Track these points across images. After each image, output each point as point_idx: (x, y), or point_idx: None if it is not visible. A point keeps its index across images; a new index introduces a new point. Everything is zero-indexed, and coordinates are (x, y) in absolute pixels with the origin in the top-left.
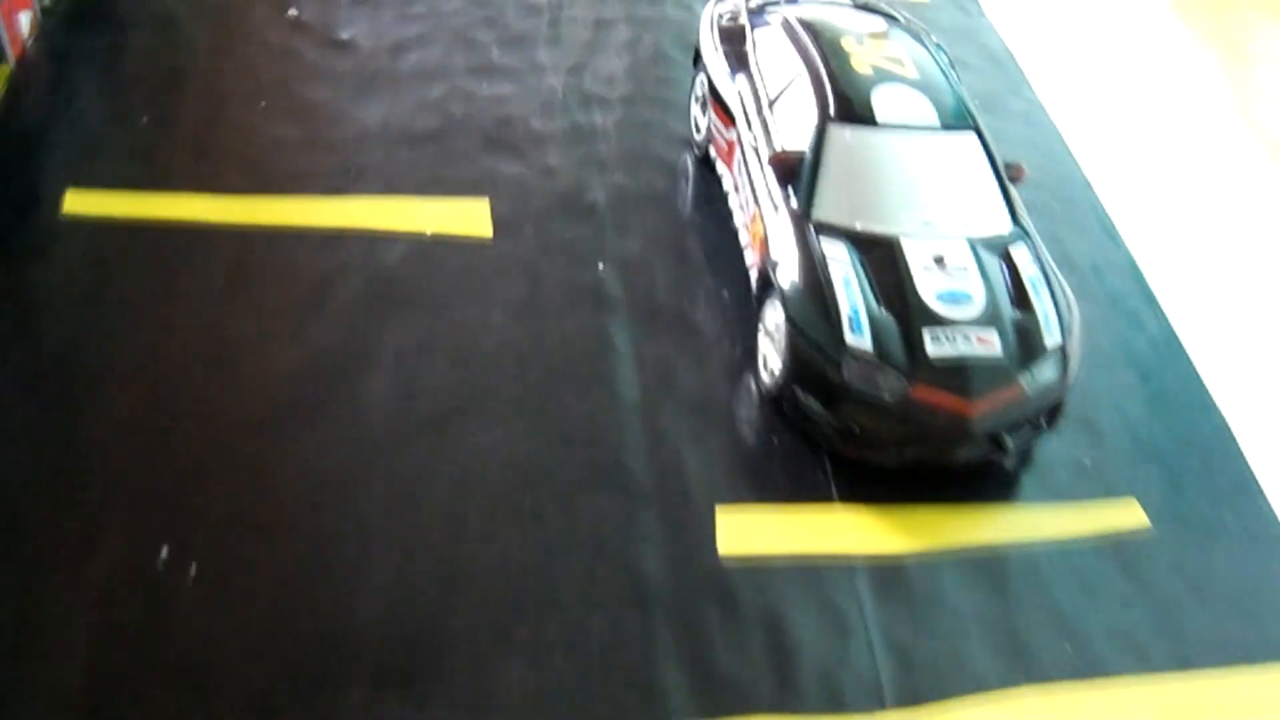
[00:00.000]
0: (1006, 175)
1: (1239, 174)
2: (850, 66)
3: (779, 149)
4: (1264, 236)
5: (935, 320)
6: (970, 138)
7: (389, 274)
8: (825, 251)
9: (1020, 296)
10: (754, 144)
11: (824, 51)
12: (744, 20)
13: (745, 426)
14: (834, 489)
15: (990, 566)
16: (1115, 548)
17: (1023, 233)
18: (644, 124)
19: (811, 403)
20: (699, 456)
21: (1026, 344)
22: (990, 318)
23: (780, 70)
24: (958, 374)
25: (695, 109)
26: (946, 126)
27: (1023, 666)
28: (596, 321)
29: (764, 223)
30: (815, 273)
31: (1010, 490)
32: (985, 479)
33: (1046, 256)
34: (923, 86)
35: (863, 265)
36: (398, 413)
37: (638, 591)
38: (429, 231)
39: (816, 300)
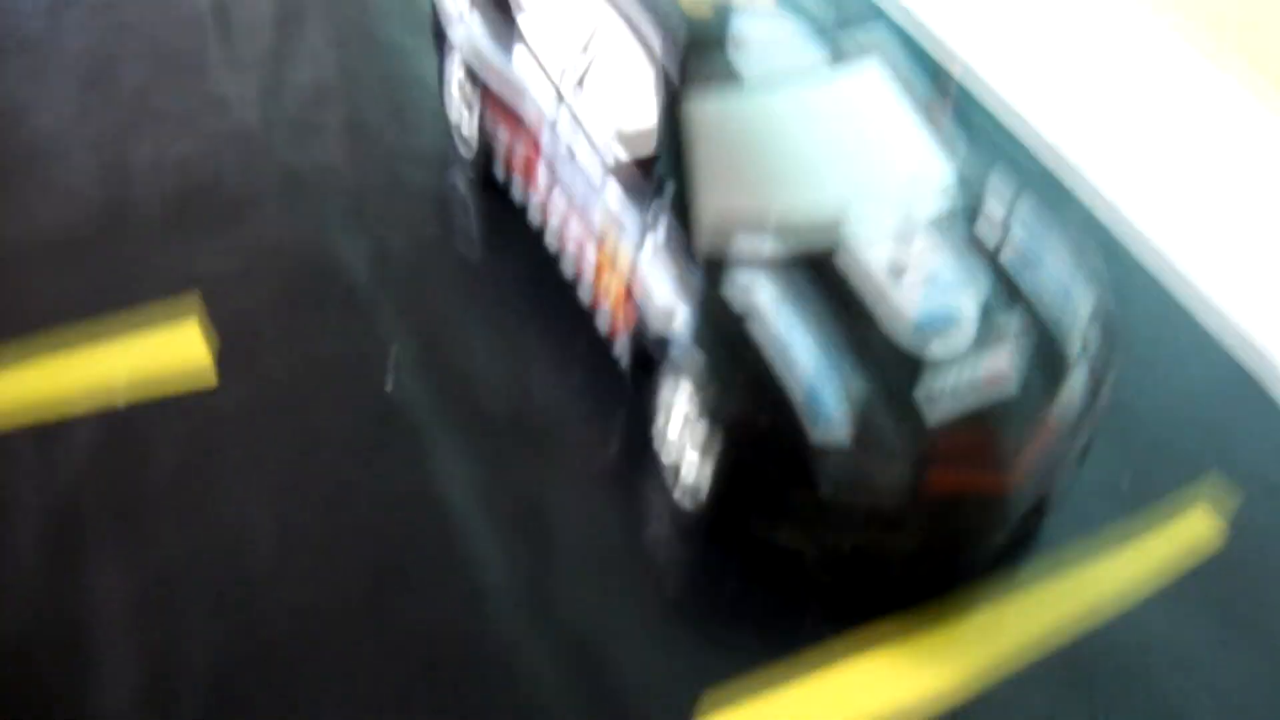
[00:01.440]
0: (932, 110)
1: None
2: (687, 9)
3: (610, 152)
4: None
5: (925, 370)
6: (871, 69)
7: (74, 490)
8: (741, 300)
9: (1012, 288)
10: (568, 149)
11: None
12: None
13: (677, 578)
14: (829, 626)
15: (1069, 669)
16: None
17: (979, 191)
18: (384, 149)
19: (781, 533)
20: (631, 647)
21: (1045, 355)
22: (990, 334)
23: (574, 26)
24: (976, 437)
25: (455, 112)
26: (839, 58)
27: None
28: (411, 475)
29: (619, 271)
30: (735, 340)
31: (1049, 554)
32: (1014, 550)
33: (1023, 215)
34: (793, 8)
35: (799, 306)
36: None
37: None
38: (121, 401)
39: (750, 382)
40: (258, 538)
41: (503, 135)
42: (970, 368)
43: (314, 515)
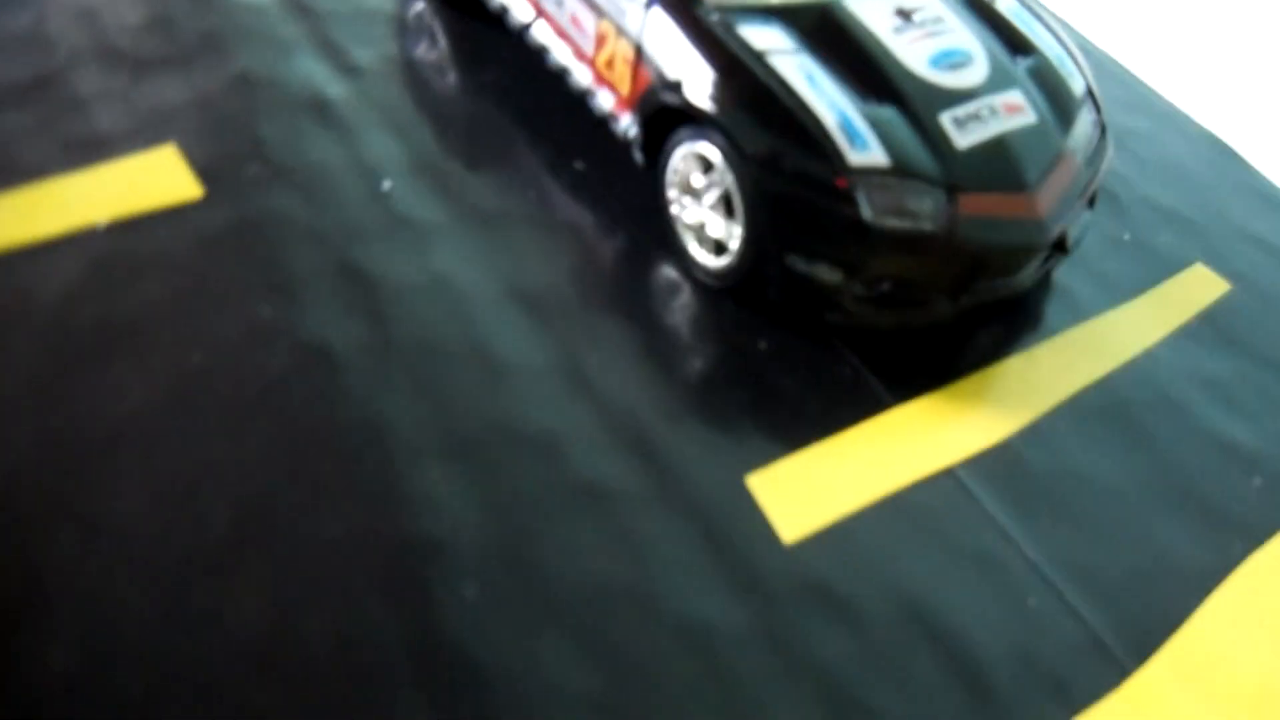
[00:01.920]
0: None
1: None
2: None
3: None
4: None
5: (946, 98)
6: None
7: (60, 312)
8: (756, 44)
9: (1010, 35)
10: None
11: None
12: None
13: (711, 347)
14: (876, 385)
15: (1107, 410)
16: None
17: None
18: None
19: (818, 270)
20: (673, 420)
21: (1055, 97)
22: (1002, 74)
23: None
24: (1003, 162)
25: None
26: None
27: (1228, 528)
28: (416, 264)
29: (625, 37)
30: (759, 80)
31: (1069, 302)
32: (1038, 304)
33: None
34: None
35: (812, 49)
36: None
37: (706, 647)
38: (101, 221)
39: (779, 119)
40: (273, 331)
41: None
42: (989, 101)
43: (324, 315)
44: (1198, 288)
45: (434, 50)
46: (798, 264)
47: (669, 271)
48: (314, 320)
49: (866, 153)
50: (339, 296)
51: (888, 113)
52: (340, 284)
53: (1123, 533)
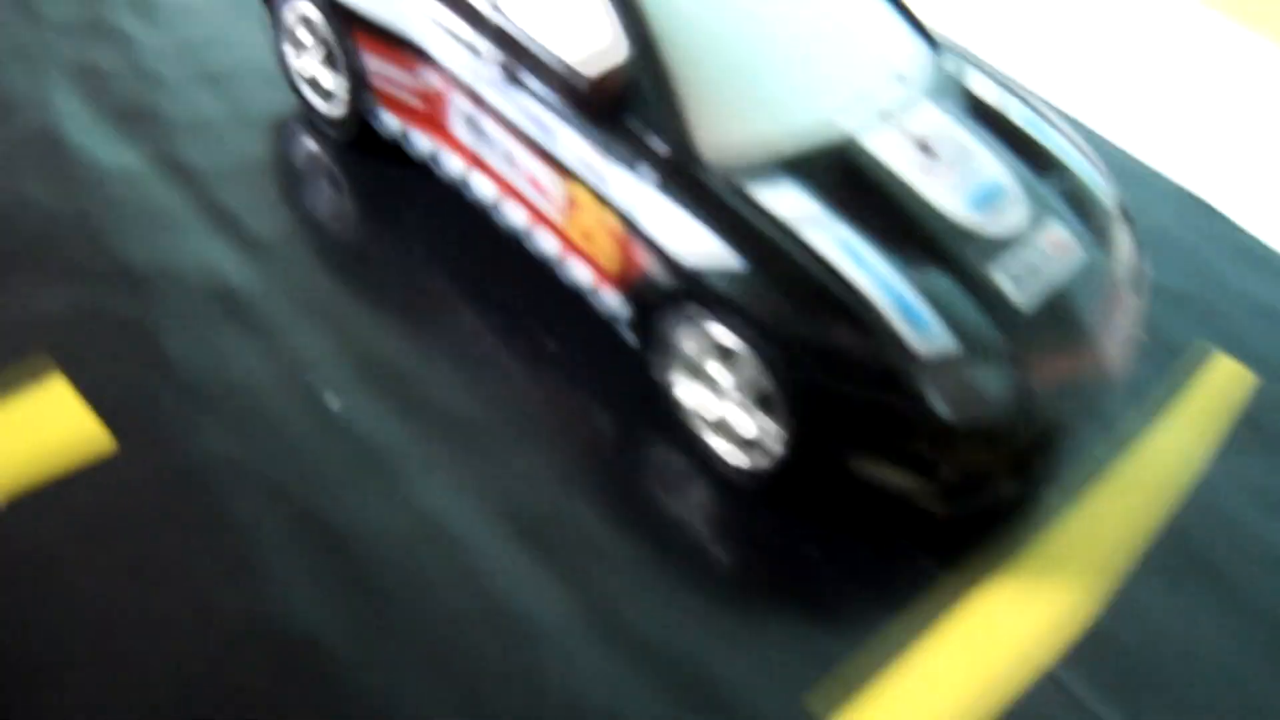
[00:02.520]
0: None
1: None
2: None
3: (571, 68)
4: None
5: (995, 248)
6: None
7: None
8: (780, 213)
9: (1030, 149)
10: (504, 78)
11: None
12: None
13: (750, 558)
14: (940, 573)
15: (1185, 561)
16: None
17: (955, 55)
18: (220, 127)
19: (887, 475)
20: (728, 649)
21: (1093, 221)
22: (1041, 205)
23: None
24: (1066, 316)
25: (302, 64)
26: None
27: None
28: (394, 507)
29: (607, 206)
30: (794, 261)
31: (1107, 427)
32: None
33: (1005, 76)
34: None
35: (839, 208)
36: None
37: None
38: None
39: (824, 304)
40: (240, 641)
41: (393, 74)
42: (1034, 240)
43: (299, 593)
44: (1225, 386)
45: (342, 204)
46: (861, 470)
47: (681, 467)
48: (287, 603)
49: (930, 337)
50: (310, 564)
51: (941, 281)
52: (308, 547)
53: (1242, 706)
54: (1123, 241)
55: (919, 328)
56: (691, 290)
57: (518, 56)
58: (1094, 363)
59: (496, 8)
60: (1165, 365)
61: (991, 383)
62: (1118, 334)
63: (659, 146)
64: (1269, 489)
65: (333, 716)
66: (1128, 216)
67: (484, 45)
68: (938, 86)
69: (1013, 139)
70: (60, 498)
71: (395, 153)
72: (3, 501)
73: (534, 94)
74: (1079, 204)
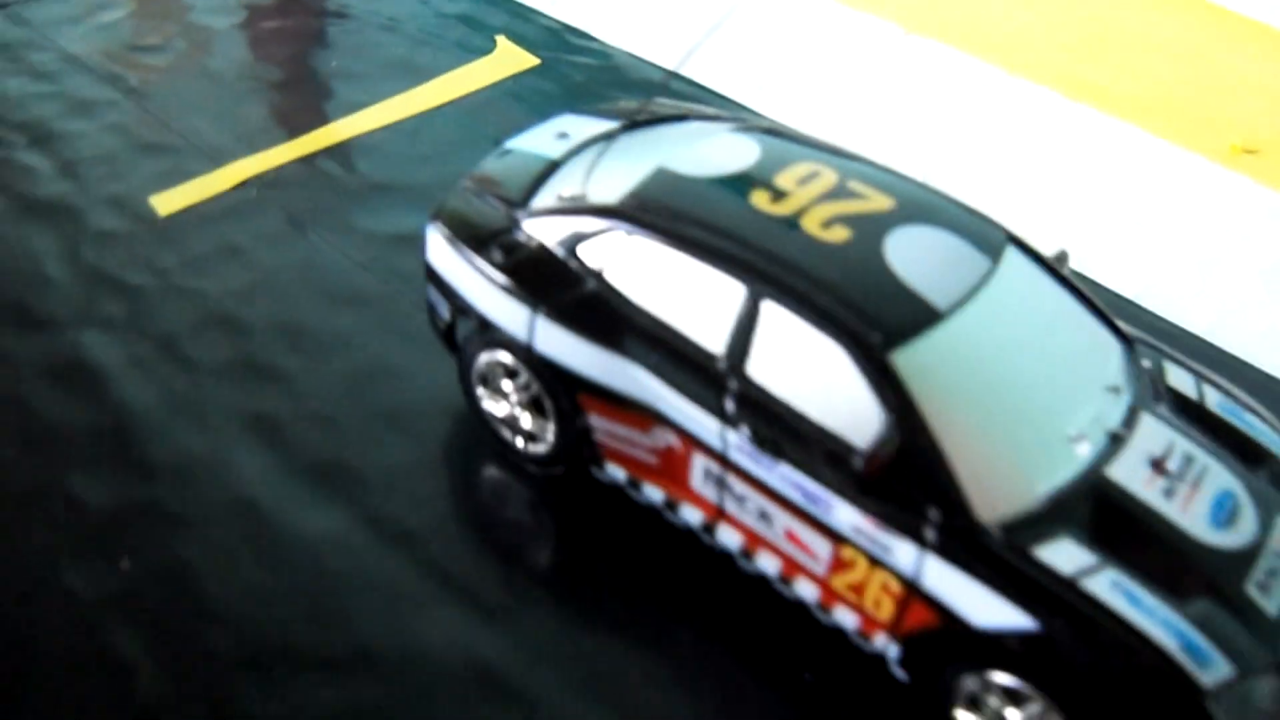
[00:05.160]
0: (1064, 273)
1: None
2: (816, 240)
3: (841, 443)
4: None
5: (1242, 562)
6: (1014, 253)
7: None
8: (1062, 569)
9: (1234, 439)
10: (749, 444)
11: (754, 234)
12: (536, 240)
13: None
14: None
15: None
16: None
17: (1144, 344)
18: (413, 468)
19: None
20: None
21: None
22: (1265, 503)
23: (702, 301)
24: None
25: (500, 409)
26: (994, 257)
27: None
28: None
29: (893, 570)
30: (1083, 615)
31: None
32: None
33: (1188, 360)
34: (912, 212)
35: (1104, 549)
36: None
37: None
38: None
39: (1117, 656)
40: None
41: (624, 432)
42: (1268, 542)
43: None
44: None
45: (562, 549)
46: None
47: None
48: None
49: (1214, 670)
50: None
51: (1208, 608)
52: None
53: None
54: None
55: (1202, 661)
56: (980, 650)
57: (775, 425)
58: None
59: (738, 374)
60: None
61: (1265, 693)
62: None
63: (933, 513)
64: None
65: None
66: None
67: (734, 411)
68: (1145, 391)
69: (1220, 433)
70: None
71: (597, 486)
72: None
73: (794, 462)
74: None
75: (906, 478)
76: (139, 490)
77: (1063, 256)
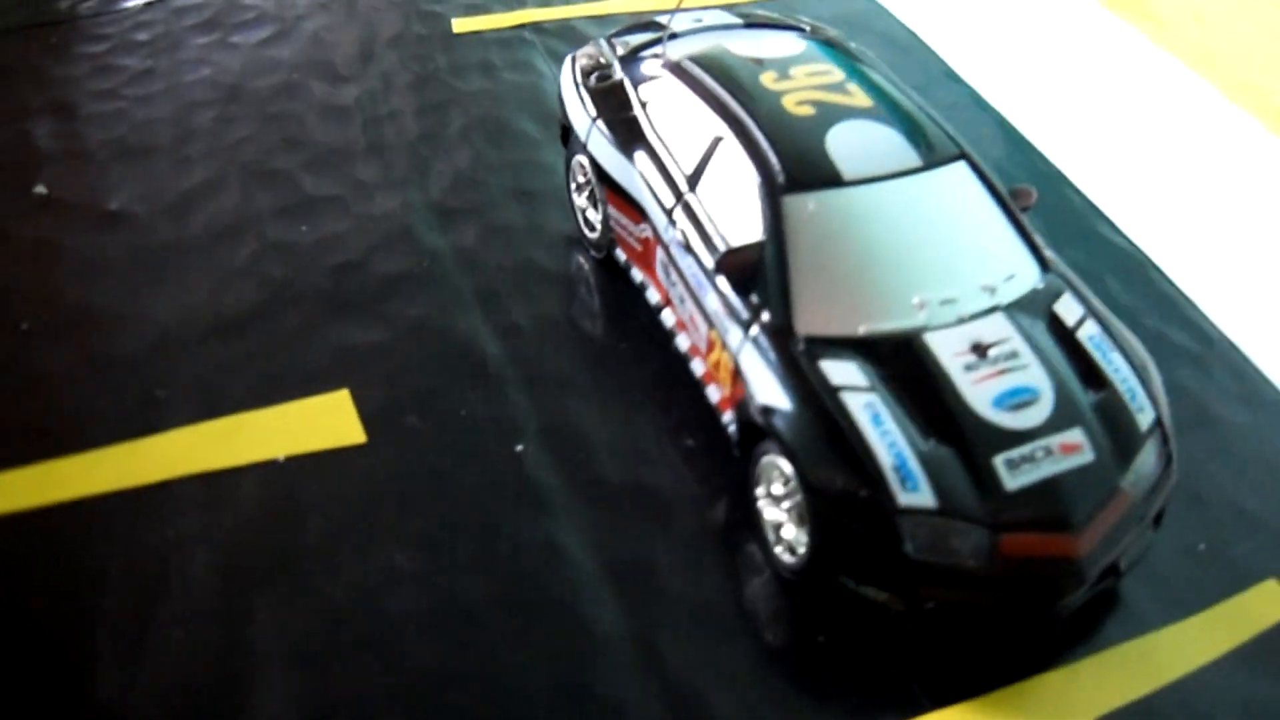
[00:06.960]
0: (1015, 204)
1: (1216, 135)
2: (784, 110)
3: (721, 245)
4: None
5: (1003, 440)
6: (961, 169)
7: (238, 534)
8: (832, 379)
9: (1087, 367)
10: (683, 242)
11: (743, 96)
12: (619, 75)
13: (777, 631)
14: (916, 689)
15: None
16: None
17: (1059, 278)
18: (517, 233)
19: (867, 590)
20: (731, 694)
21: (1119, 434)
22: (1067, 412)
23: (691, 133)
24: (1050, 503)
25: (580, 200)
26: (930, 163)
27: None
28: (535, 529)
29: (729, 350)
30: (829, 415)
31: (1127, 613)
32: (1095, 615)
33: (1097, 302)
34: (881, 115)
35: (885, 384)
36: None
37: None
38: (281, 455)
39: (842, 454)
40: (398, 579)
41: (624, 227)
42: (1047, 443)
43: (441, 562)
44: (1264, 606)
45: (585, 306)
46: (849, 583)
47: (754, 554)
48: (446, 575)
49: (915, 494)
50: (470, 553)
51: (944, 454)
52: (472, 541)
53: None
54: (1145, 455)
55: (907, 484)
56: (764, 425)
57: (693, 226)
58: (1066, 548)
59: (693, 189)
60: (1215, 578)
61: (959, 539)
62: (1102, 528)
63: (766, 315)
64: (1255, 704)
65: (452, 664)
66: (1164, 433)
67: (678, 214)
68: (1022, 302)
69: (1074, 352)
70: (319, 465)
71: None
72: (283, 456)
73: (696, 256)
74: (1110, 418)
75: (758, 284)
76: None
77: (1024, 192)
